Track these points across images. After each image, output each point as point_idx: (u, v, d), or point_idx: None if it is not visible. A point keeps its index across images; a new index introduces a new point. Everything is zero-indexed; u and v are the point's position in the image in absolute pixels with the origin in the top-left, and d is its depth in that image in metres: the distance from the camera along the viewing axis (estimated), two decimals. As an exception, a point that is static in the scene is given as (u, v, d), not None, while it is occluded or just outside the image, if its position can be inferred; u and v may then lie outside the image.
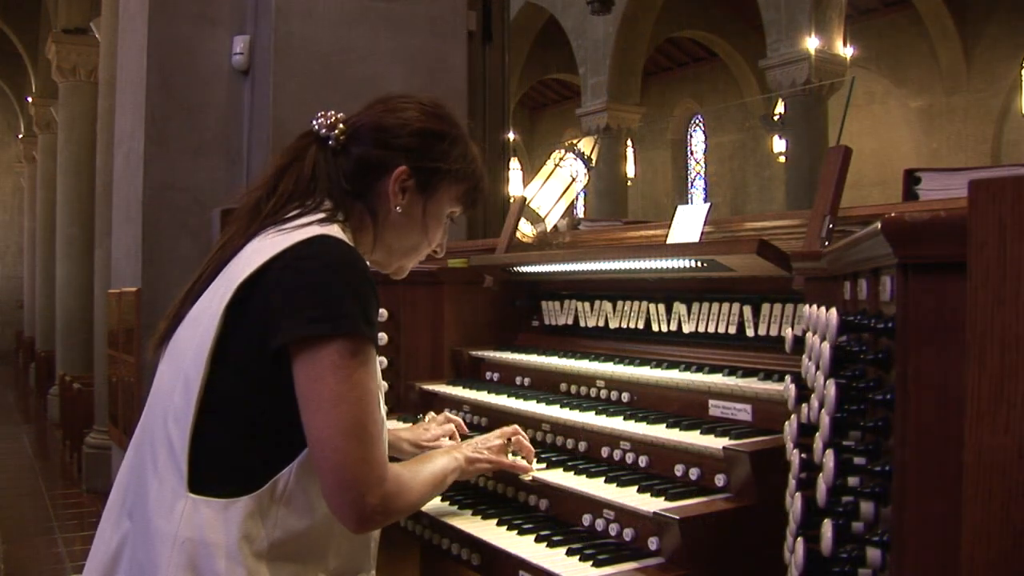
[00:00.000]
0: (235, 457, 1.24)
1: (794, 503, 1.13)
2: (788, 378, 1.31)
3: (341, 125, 1.44)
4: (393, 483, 1.26)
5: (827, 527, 0.97)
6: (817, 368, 1.12)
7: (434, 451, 1.61)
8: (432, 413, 2.02)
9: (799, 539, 1.07)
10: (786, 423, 1.30)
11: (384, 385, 1.47)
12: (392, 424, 2.11)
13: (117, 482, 1.35)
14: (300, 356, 1.21)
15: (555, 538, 1.57)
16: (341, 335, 1.21)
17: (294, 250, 1.26)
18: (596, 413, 1.88)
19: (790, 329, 1.41)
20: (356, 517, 1.22)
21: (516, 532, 1.63)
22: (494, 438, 1.71)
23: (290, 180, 1.40)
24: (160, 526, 1.22)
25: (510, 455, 1.72)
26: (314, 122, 1.45)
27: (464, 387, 2.32)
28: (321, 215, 1.36)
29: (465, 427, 1.94)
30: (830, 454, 1.00)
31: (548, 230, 2.71)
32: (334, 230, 1.33)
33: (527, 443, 1.75)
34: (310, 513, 1.25)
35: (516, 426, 1.76)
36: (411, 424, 2.02)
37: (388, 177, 1.43)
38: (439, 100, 1.53)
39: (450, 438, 1.86)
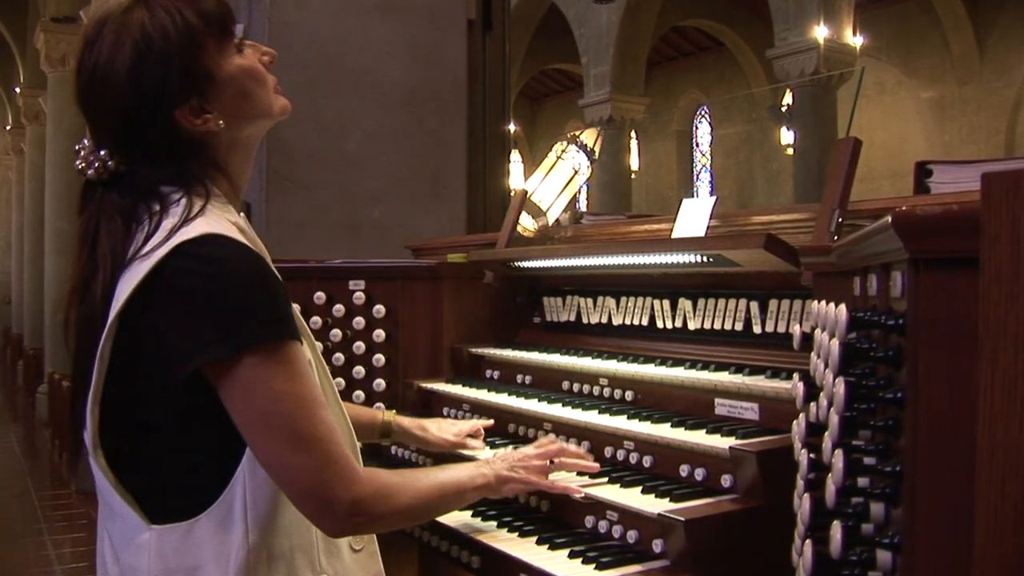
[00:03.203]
0: (179, 479, 1.18)
1: (802, 504, 1.12)
2: (796, 376, 1.29)
3: (101, 152, 1.19)
4: (370, 485, 1.18)
5: (836, 529, 0.96)
6: (826, 366, 1.10)
7: (459, 464, 1.51)
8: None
9: (807, 541, 1.06)
10: (794, 422, 1.28)
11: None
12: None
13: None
14: (217, 382, 1.12)
15: (557, 540, 1.55)
16: (248, 349, 1.11)
17: (169, 266, 1.11)
18: (599, 412, 1.85)
19: (798, 326, 1.40)
20: (330, 526, 1.17)
21: (517, 534, 1.62)
22: (534, 457, 1.57)
23: (107, 243, 1.17)
24: (130, 563, 1.18)
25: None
26: (77, 167, 1.21)
27: (464, 385, 2.30)
28: (177, 213, 1.15)
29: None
30: (839, 454, 0.99)
31: (550, 224, 2.68)
32: (201, 224, 1.14)
33: (579, 461, 1.65)
34: (282, 503, 1.18)
35: (560, 444, 1.66)
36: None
37: (174, 135, 1.19)
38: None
39: (474, 436, 1.88)
